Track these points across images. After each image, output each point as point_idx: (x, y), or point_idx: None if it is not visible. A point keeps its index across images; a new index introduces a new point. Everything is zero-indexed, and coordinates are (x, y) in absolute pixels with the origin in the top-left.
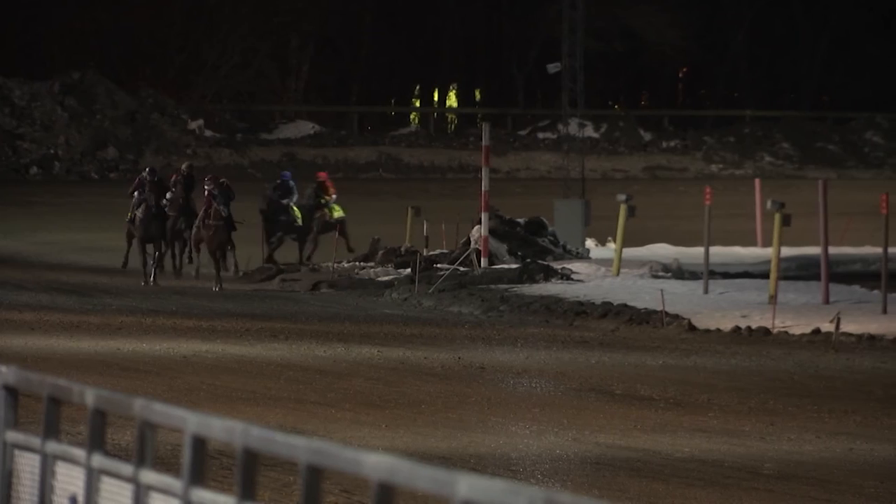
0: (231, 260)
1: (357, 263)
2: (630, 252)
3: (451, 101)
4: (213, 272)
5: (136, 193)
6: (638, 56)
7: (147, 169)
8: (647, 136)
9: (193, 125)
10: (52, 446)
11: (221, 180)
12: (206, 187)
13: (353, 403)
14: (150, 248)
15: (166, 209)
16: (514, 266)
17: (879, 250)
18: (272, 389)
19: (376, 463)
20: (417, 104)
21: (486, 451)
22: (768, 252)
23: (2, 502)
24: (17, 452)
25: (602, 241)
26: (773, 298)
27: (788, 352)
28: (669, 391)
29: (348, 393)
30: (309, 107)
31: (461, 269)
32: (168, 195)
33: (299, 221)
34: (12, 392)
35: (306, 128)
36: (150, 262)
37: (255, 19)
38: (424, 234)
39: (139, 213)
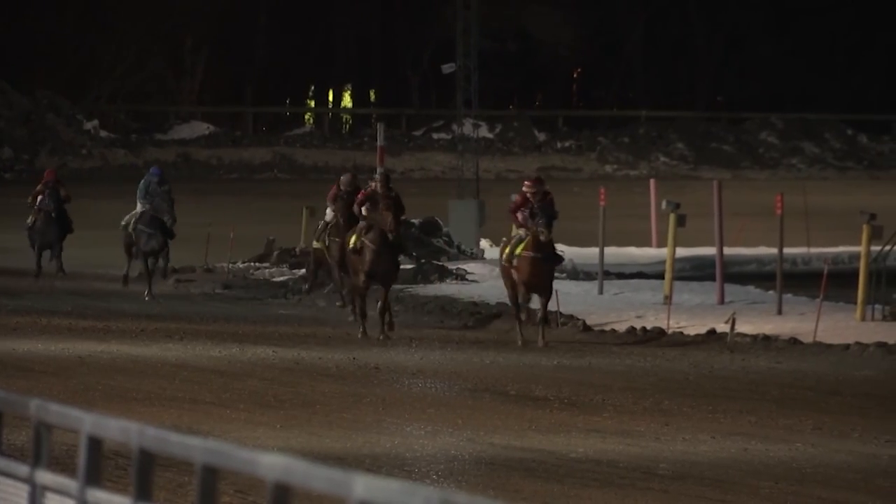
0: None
1: (252, 264)
2: None
3: (346, 101)
4: (382, 311)
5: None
6: (532, 56)
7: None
8: (542, 137)
9: (88, 126)
10: None
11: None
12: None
13: (248, 404)
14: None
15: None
16: (408, 266)
17: (774, 251)
18: (167, 390)
19: (272, 463)
20: (312, 104)
21: (382, 452)
22: (663, 252)
23: None
24: None
25: (496, 242)
26: (668, 299)
27: (683, 352)
28: (564, 391)
29: (243, 393)
30: (203, 107)
31: None
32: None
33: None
34: None
35: (201, 128)
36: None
37: (149, 20)
38: None
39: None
